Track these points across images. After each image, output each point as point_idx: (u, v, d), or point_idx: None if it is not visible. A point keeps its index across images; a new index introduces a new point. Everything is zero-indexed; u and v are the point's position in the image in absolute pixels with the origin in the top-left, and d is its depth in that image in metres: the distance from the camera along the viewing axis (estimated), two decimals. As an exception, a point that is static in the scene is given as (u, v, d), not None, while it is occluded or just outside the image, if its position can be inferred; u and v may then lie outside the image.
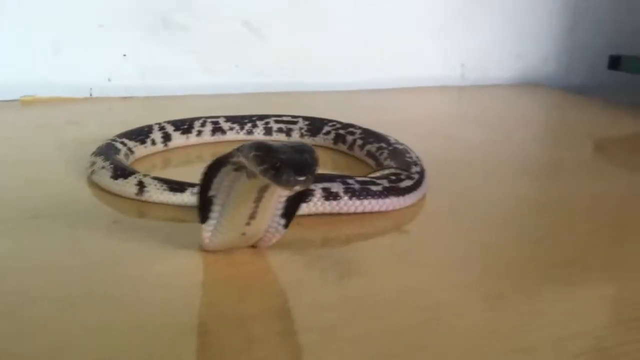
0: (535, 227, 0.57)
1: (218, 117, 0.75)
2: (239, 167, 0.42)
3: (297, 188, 0.38)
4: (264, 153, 0.38)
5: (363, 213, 0.55)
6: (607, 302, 0.44)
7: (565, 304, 0.43)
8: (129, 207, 0.55)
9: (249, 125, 0.76)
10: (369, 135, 0.71)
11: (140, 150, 0.67)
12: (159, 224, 0.53)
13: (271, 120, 0.76)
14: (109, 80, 0.94)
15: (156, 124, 0.71)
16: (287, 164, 0.37)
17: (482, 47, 1.21)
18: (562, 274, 0.47)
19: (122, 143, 0.65)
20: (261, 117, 0.77)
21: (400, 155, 0.64)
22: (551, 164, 0.79)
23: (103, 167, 0.58)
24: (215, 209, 0.44)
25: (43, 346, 0.35)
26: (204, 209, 0.45)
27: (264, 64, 1.03)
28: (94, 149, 0.68)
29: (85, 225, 0.50)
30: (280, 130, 0.76)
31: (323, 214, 0.54)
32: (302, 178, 0.37)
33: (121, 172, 0.57)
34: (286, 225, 0.46)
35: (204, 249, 0.47)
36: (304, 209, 0.52)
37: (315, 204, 0.53)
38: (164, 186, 0.55)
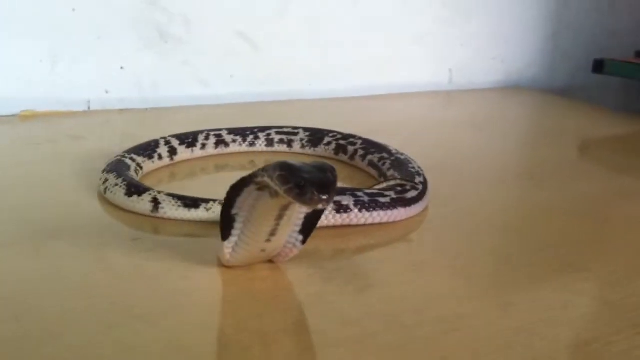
0: (537, 232, 0.60)
1: (221, 130, 0.77)
2: (262, 187, 0.43)
3: (321, 206, 0.40)
4: (289, 173, 0.40)
5: (372, 224, 0.57)
6: (613, 306, 0.46)
7: (576, 309, 0.45)
8: (144, 224, 0.57)
9: (251, 137, 0.77)
10: (370, 146, 0.73)
11: (148, 165, 0.69)
12: (177, 241, 0.54)
13: (272, 131, 0.78)
14: (107, 92, 0.95)
15: (162, 138, 0.72)
16: (311, 183, 0.39)
17: (469, 52, 1.23)
18: (569, 280, 0.50)
19: (131, 159, 0.66)
20: (262, 129, 0.78)
21: (403, 166, 0.66)
22: (543, 167, 0.82)
23: (116, 185, 0.59)
24: (237, 227, 0.46)
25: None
26: (226, 227, 0.46)
27: (259, 73, 1.05)
28: (99, 164, 0.69)
29: (107, 244, 0.52)
30: (281, 141, 0.78)
31: (334, 226, 0.56)
32: (325, 196, 0.39)
33: (135, 189, 0.58)
34: (304, 241, 0.48)
35: (224, 265, 0.48)
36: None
37: (327, 217, 0.55)
38: (179, 203, 0.57)
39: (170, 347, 0.39)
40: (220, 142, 0.76)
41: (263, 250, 0.47)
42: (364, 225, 0.57)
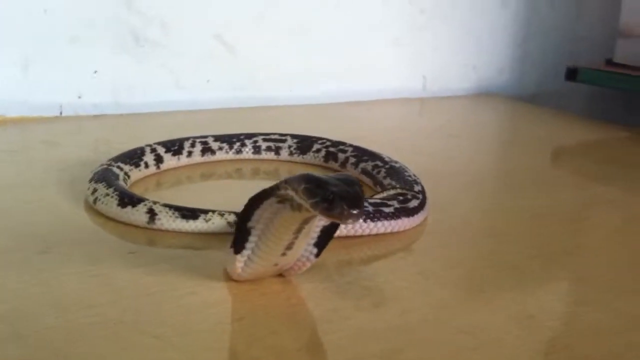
0: (532, 238, 0.60)
1: (206, 136, 0.74)
2: (283, 200, 0.42)
3: (351, 221, 0.38)
4: (315, 186, 0.39)
5: (376, 234, 0.56)
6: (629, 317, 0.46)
7: (582, 319, 0.45)
8: (139, 236, 0.54)
9: (238, 144, 0.75)
10: (362, 153, 0.72)
11: (135, 174, 0.66)
12: (176, 253, 0.52)
13: (259, 138, 0.76)
14: (80, 97, 0.92)
15: (147, 145, 0.70)
16: (340, 196, 0.38)
17: (442, 59, 1.23)
18: (573, 289, 0.49)
19: (119, 167, 0.64)
20: (249, 136, 0.76)
21: (399, 174, 0.65)
22: (524, 174, 0.81)
23: (107, 195, 0.57)
24: (252, 240, 0.44)
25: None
26: (240, 240, 0.44)
27: (236, 78, 1.03)
28: (78, 171, 0.67)
29: (102, 258, 0.49)
30: (269, 149, 0.76)
31: (337, 237, 0.54)
32: (356, 211, 0.38)
33: (129, 199, 0.56)
34: (317, 255, 0.46)
35: (231, 279, 0.46)
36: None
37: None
38: (176, 214, 0.54)
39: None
40: (207, 149, 0.74)
41: (276, 264, 0.46)
42: (367, 235, 0.55)
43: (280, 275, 0.47)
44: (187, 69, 0.99)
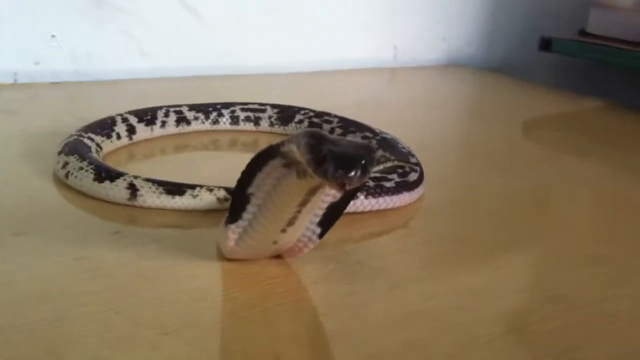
0: (528, 219, 0.57)
1: (181, 106, 0.69)
2: (289, 163, 0.37)
3: (338, 187, 0.33)
4: (317, 142, 0.34)
5: (377, 210, 0.52)
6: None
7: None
8: (119, 214, 0.49)
9: (214, 114, 0.70)
10: (348, 124, 0.68)
11: (107, 145, 0.61)
12: (164, 233, 0.47)
13: (237, 108, 0.71)
14: (37, 64, 0.85)
15: (118, 115, 0.64)
16: (335, 156, 0.33)
17: (413, 30, 1.20)
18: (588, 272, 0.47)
19: (90, 138, 0.58)
20: (226, 105, 0.71)
21: (393, 146, 0.61)
22: (498, 145, 0.79)
23: (81, 169, 0.51)
24: (250, 210, 0.39)
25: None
26: (236, 208, 0.40)
27: (203, 46, 0.97)
28: (41, 143, 0.61)
29: (85, 240, 0.44)
30: (247, 119, 0.71)
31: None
32: (350, 174, 0.32)
33: (106, 173, 0.51)
34: (321, 235, 0.41)
35: (225, 257, 0.42)
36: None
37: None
38: (160, 189, 0.50)
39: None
40: (182, 119, 0.69)
41: (275, 242, 0.41)
42: (367, 212, 0.52)
43: (278, 257, 0.43)
44: (151, 36, 0.93)
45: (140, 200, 0.49)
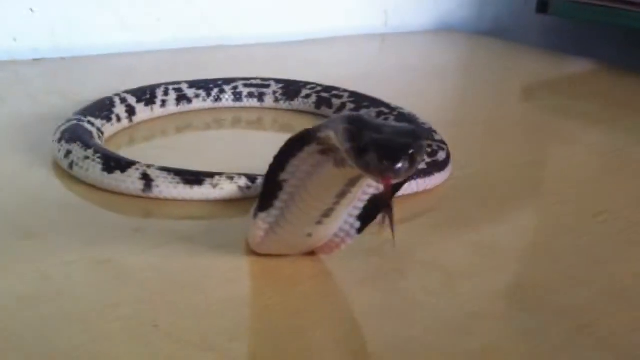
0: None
1: (180, 82, 0.65)
2: (326, 150, 0.33)
3: (386, 179, 0.29)
4: (357, 128, 0.29)
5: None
6: None
7: None
8: (133, 207, 0.45)
9: (216, 90, 0.66)
10: (361, 99, 0.64)
11: (107, 129, 0.56)
12: (187, 227, 0.43)
13: (239, 84, 0.67)
14: (15, 40, 0.79)
15: (115, 95, 0.59)
16: (379, 145, 0.28)
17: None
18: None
19: (90, 123, 0.53)
20: (228, 81, 0.67)
21: (412, 122, 0.58)
22: (508, 115, 0.77)
23: (87, 158, 0.47)
24: (282, 197, 0.35)
25: None
26: (267, 196, 0.36)
27: (188, 16, 0.92)
28: (34, 128, 0.57)
29: (103, 239, 0.40)
30: (251, 95, 0.67)
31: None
32: (396, 166, 0.28)
33: (115, 163, 0.46)
34: (360, 230, 0.37)
35: (255, 252, 0.38)
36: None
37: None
38: (177, 179, 0.46)
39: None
40: (182, 97, 0.64)
41: (309, 235, 0.37)
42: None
43: (311, 253, 0.39)
44: (133, 7, 0.87)
45: (155, 192, 0.45)
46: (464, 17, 1.25)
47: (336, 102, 0.65)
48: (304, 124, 0.65)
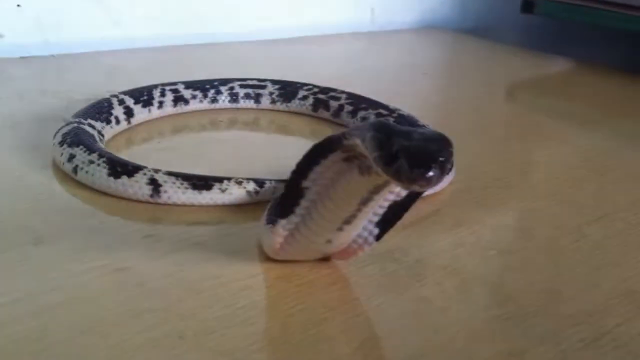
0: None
1: (176, 83, 0.64)
2: (351, 157, 0.33)
3: (417, 187, 0.29)
4: (385, 136, 0.29)
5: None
6: None
7: None
8: (141, 212, 0.45)
9: (212, 91, 0.65)
10: (359, 100, 0.64)
11: (107, 131, 0.55)
12: (199, 233, 0.43)
13: (235, 84, 0.67)
14: (2, 37, 0.77)
15: (113, 96, 0.59)
16: (409, 152, 0.28)
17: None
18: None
19: (91, 125, 0.53)
20: (223, 82, 0.66)
21: (413, 124, 0.58)
22: (496, 114, 0.78)
23: (92, 162, 0.47)
24: (304, 204, 0.36)
25: None
26: (288, 203, 0.36)
27: (179, 13, 0.91)
28: (30, 130, 0.56)
29: (115, 246, 0.40)
30: (247, 96, 0.67)
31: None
32: (428, 174, 0.28)
33: (122, 167, 0.46)
34: (378, 237, 0.38)
35: (270, 258, 0.38)
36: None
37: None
38: (185, 184, 0.45)
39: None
40: (179, 98, 0.63)
41: (329, 241, 0.37)
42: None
43: (326, 259, 0.39)
44: (123, 3, 0.86)
45: (164, 197, 0.45)
46: (448, 15, 1.26)
47: (334, 104, 0.65)
48: (301, 125, 0.66)
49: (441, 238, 0.45)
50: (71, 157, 0.48)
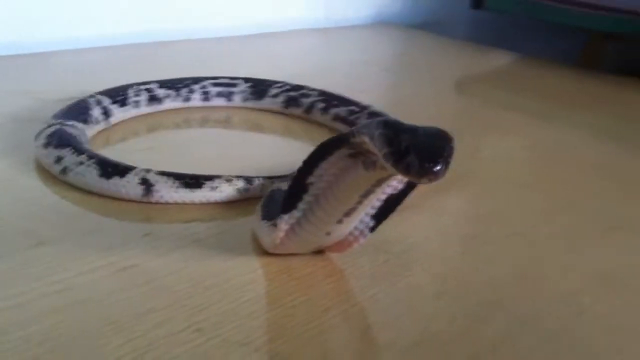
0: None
1: (149, 82, 0.65)
2: (356, 154, 0.35)
3: (426, 181, 0.31)
4: (394, 133, 0.32)
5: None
6: None
7: None
8: (134, 212, 0.46)
9: (185, 90, 0.66)
10: (331, 98, 0.66)
11: (88, 132, 0.56)
12: (195, 230, 0.44)
13: (207, 83, 0.68)
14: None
15: (90, 96, 0.59)
16: (419, 148, 0.31)
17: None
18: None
19: (73, 126, 0.53)
20: (196, 80, 0.67)
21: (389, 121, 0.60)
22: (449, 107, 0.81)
23: (82, 163, 0.47)
24: (306, 199, 0.38)
25: None
26: (292, 198, 0.38)
27: (153, 10, 0.91)
28: (7, 132, 0.56)
29: (116, 245, 0.41)
30: (219, 94, 0.68)
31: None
32: (436, 168, 0.30)
33: (113, 168, 0.47)
34: (373, 229, 0.40)
35: (266, 252, 0.40)
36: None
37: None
38: (177, 183, 0.47)
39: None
40: (153, 98, 0.64)
41: (328, 233, 0.39)
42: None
43: (321, 252, 0.41)
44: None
45: (156, 196, 0.46)
46: (400, 10, 1.29)
47: (305, 101, 0.67)
48: (274, 122, 0.67)
49: (425, 228, 0.48)
50: (59, 159, 0.48)
